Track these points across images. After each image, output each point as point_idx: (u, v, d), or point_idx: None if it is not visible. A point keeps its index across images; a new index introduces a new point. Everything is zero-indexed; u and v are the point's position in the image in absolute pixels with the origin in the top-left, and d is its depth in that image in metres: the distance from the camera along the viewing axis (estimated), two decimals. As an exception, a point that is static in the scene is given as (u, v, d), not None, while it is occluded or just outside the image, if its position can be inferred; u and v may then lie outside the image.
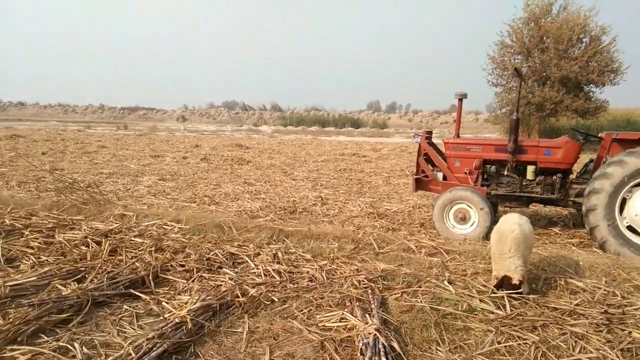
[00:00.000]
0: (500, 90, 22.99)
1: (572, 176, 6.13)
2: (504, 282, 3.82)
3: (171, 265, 4.47)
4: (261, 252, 4.96)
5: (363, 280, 4.20)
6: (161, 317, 3.49)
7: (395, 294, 3.96)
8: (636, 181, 5.05)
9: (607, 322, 3.44)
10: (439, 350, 3.15)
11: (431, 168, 6.64)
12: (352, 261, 4.75)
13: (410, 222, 6.84)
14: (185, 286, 4.15)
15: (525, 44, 21.28)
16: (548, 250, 5.21)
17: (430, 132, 6.78)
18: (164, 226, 5.67)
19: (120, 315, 3.54)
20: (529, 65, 21.47)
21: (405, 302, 3.80)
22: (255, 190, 9.14)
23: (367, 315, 3.41)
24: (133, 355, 2.83)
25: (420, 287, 4.08)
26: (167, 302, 3.75)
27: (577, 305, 3.74)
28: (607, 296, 3.92)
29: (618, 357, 2.99)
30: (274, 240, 5.41)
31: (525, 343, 3.19)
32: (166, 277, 4.30)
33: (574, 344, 3.18)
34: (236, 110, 69.83)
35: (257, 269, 4.51)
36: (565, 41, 19.48)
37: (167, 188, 9.25)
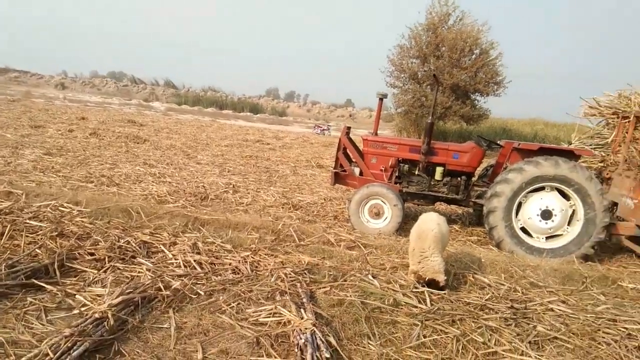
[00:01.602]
0: (397, 92, 24.16)
1: (474, 179, 6.65)
2: (431, 284, 4.03)
3: (78, 254, 4.03)
4: (177, 242, 4.69)
5: (290, 274, 4.16)
6: (75, 311, 3.14)
7: (323, 287, 3.99)
8: (532, 187, 5.64)
9: (514, 316, 3.80)
10: (371, 344, 3.24)
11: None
12: (275, 253, 4.69)
13: (325, 215, 6.93)
14: (97, 277, 3.77)
15: (423, 50, 22.60)
16: (453, 247, 5.62)
17: (349, 128, 6.91)
18: (61, 208, 5.10)
19: (24, 309, 3.12)
20: (425, 70, 22.85)
21: (334, 295, 3.84)
22: (159, 173, 8.59)
23: (301, 310, 3.38)
24: (51, 355, 2.50)
25: (345, 280, 4.15)
26: (79, 295, 3.37)
27: (487, 300, 4.08)
28: (510, 292, 4.34)
29: (527, 349, 3.32)
30: (190, 229, 5.15)
31: (448, 336, 3.41)
32: (73, 266, 3.87)
33: (489, 337, 3.46)
34: (124, 82, 64.90)
35: (176, 259, 4.26)
36: (459, 51, 21.05)
37: (56, 164, 8.31)
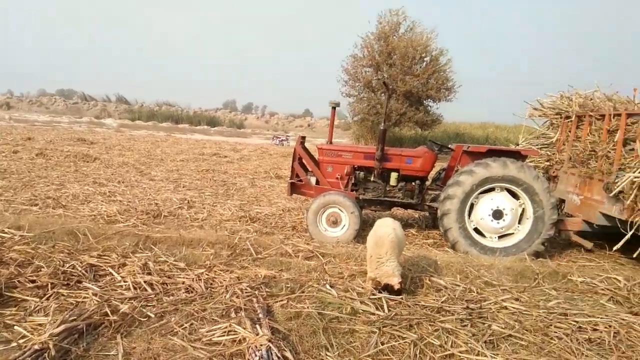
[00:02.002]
0: (352, 100, 24.48)
1: (428, 183, 6.76)
2: (387, 288, 4.03)
3: (18, 281, 3.80)
4: (127, 263, 4.50)
5: (245, 289, 4.07)
6: (13, 344, 2.93)
7: (280, 300, 3.92)
8: (482, 189, 5.77)
9: (470, 316, 3.85)
10: (329, 356, 3.19)
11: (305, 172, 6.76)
12: (230, 268, 4.59)
13: (283, 226, 6.85)
14: (39, 305, 3.56)
15: (375, 58, 23.02)
16: (410, 251, 5.66)
17: (304, 137, 6.90)
18: (1, 234, 4.81)
19: (-45, 347, 2.89)
20: (378, 78, 23.24)
21: (292, 308, 3.77)
22: (109, 192, 8.28)
23: (257, 326, 3.29)
24: (-18, 396, 2.31)
25: (303, 292, 4.10)
26: (18, 326, 3.16)
27: (443, 302, 4.11)
28: (465, 292, 4.40)
29: (483, 349, 3.35)
30: (140, 249, 4.96)
31: (405, 342, 3.40)
32: (13, 295, 3.64)
33: (445, 339, 3.48)
34: (74, 99, 62.66)
35: (125, 281, 4.09)
36: (410, 59, 21.57)
37: (-2, 188, 7.88)
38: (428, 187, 6.65)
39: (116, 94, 62.26)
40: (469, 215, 5.88)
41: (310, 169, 6.70)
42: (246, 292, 4.00)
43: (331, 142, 6.72)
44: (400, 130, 25.54)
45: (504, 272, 5.13)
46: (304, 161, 6.72)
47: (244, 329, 3.26)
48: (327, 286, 4.19)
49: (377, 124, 22.92)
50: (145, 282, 4.05)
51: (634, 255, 5.46)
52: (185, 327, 3.41)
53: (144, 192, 8.58)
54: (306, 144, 6.89)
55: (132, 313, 3.50)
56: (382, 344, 3.34)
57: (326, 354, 3.21)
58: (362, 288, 4.23)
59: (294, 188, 6.66)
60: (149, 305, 3.69)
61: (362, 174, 6.52)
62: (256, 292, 4.02)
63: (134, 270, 4.25)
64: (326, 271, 4.64)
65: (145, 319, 3.49)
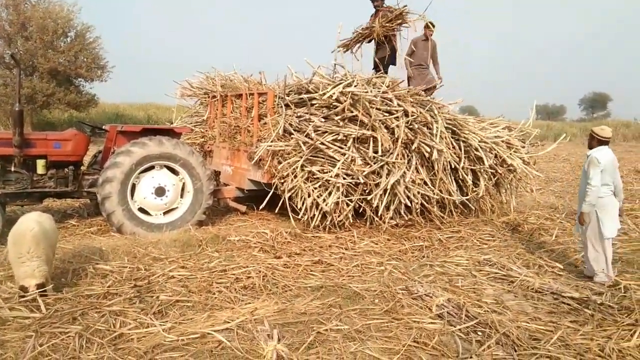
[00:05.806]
0: (-21, 78, 20.04)
1: (84, 168, 6.30)
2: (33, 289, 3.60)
3: None
4: None
5: None
6: None
7: None
8: (142, 168, 5.78)
9: (138, 294, 3.89)
10: (-30, 381, 2.68)
11: None
12: None
13: None
14: None
15: (6, 29, 19.42)
16: (70, 243, 5.23)
17: None
18: None
19: None
20: (9, 52, 19.72)
21: None
22: None
23: None
24: None
25: None
26: None
27: (109, 287, 4.00)
28: (133, 272, 4.40)
29: (153, 320, 3.46)
30: None
31: (69, 336, 3.18)
32: None
33: (114, 321, 3.43)
34: None
35: None
36: (51, 32, 19.10)
37: None
38: (84, 172, 6.20)
39: None
40: (132, 195, 5.82)
41: None
42: None
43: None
44: (50, 113, 22.57)
45: (171, 244, 5.36)
46: None
47: None
48: (-41, 302, 3.45)
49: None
50: None
51: (276, 210, 6.53)
52: None
53: None
54: None
55: None
56: (41, 345, 3.03)
57: (-34, 380, 2.68)
58: (10, 293, 3.67)
59: None
60: None
61: (-3, 164, 5.52)
62: None
63: None
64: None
65: None
